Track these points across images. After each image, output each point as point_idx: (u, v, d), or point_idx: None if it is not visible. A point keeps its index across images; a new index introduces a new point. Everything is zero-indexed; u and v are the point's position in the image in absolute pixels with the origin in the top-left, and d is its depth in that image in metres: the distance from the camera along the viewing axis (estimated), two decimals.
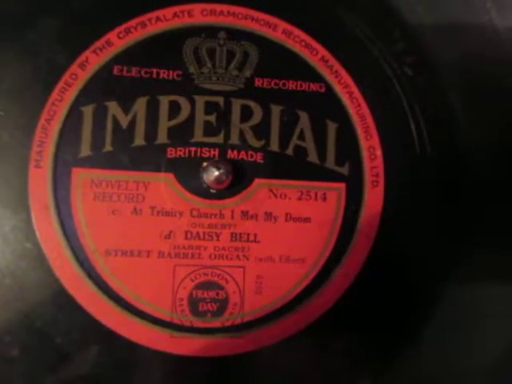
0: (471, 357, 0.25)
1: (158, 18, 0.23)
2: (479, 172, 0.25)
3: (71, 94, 0.22)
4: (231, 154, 0.23)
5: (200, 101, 0.23)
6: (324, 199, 0.23)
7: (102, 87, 0.22)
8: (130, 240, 0.22)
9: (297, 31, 0.24)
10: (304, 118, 0.23)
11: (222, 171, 0.22)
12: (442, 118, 0.25)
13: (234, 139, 0.23)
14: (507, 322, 0.25)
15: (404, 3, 0.25)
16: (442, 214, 0.24)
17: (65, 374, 0.22)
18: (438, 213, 0.24)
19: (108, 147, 0.22)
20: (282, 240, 0.23)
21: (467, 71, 0.26)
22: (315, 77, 0.24)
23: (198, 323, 0.22)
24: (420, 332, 0.24)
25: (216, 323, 0.22)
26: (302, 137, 0.23)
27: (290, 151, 0.23)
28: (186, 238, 0.22)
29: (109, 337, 0.22)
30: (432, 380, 0.24)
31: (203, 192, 0.22)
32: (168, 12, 0.23)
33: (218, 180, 0.22)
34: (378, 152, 0.23)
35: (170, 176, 0.22)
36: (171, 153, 0.22)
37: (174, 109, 0.22)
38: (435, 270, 0.24)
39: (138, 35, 0.23)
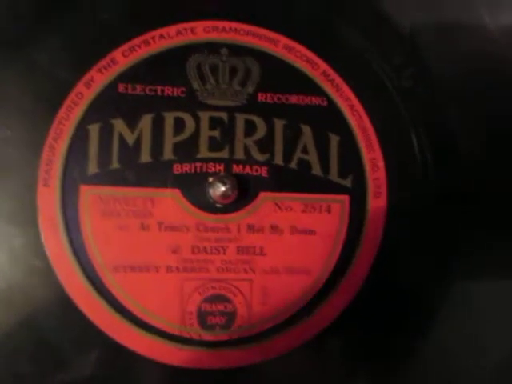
0: (474, 359, 0.25)
1: (161, 36, 0.23)
2: (481, 180, 0.25)
3: (77, 113, 0.22)
4: (236, 169, 0.23)
5: (204, 116, 0.23)
6: (328, 211, 0.23)
7: (107, 105, 0.23)
8: (138, 255, 0.22)
9: (298, 46, 0.24)
10: (307, 132, 0.24)
11: (227, 186, 0.22)
12: (443, 128, 0.25)
13: (239, 154, 0.23)
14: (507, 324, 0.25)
15: (402, 17, 0.26)
16: (444, 223, 0.24)
17: None
18: (440, 222, 0.24)
19: (115, 164, 0.22)
20: (288, 252, 0.23)
21: (466, 80, 0.26)
22: (317, 91, 0.24)
23: (207, 336, 0.22)
24: (423, 341, 0.24)
25: (224, 336, 0.22)
26: (305, 150, 0.23)
27: (293, 164, 0.23)
28: (193, 252, 0.22)
29: (119, 351, 0.22)
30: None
31: (209, 207, 0.23)
32: (171, 30, 0.23)
33: (224, 195, 0.22)
34: (381, 163, 0.24)
35: (177, 191, 0.22)
36: (177, 169, 0.23)
37: (179, 125, 0.23)
38: (438, 279, 0.24)
39: (142, 53, 0.23)
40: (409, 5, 0.26)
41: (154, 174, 0.22)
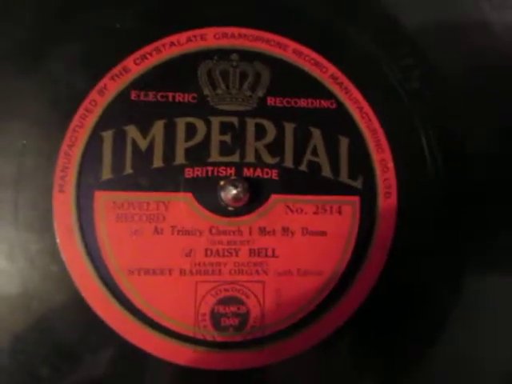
0: (485, 361, 0.25)
1: (172, 43, 0.24)
2: (491, 180, 0.25)
3: (91, 120, 0.23)
4: (247, 172, 0.23)
5: (215, 121, 0.23)
6: (339, 212, 0.23)
7: (120, 112, 0.23)
8: (152, 259, 0.22)
9: (306, 50, 0.24)
10: (316, 134, 0.24)
11: (239, 189, 0.22)
12: (452, 128, 0.25)
13: (250, 157, 0.23)
14: None
15: (408, 18, 0.26)
16: (454, 223, 0.24)
17: None
18: (450, 222, 0.24)
19: (128, 170, 0.23)
20: (300, 254, 0.23)
21: (474, 79, 0.26)
22: (326, 94, 0.24)
23: (220, 338, 0.23)
24: (435, 342, 0.24)
25: (238, 337, 0.23)
26: (315, 152, 0.24)
27: (304, 167, 0.24)
28: (206, 255, 0.23)
29: (133, 352, 0.22)
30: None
31: (221, 210, 0.23)
32: (182, 37, 0.24)
33: (235, 198, 0.22)
34: (390, 164, 0.24)
35: (189, 195, 0.23)
36: (189, 173, 0.23)
37: (191, 130, 0.23)
38: (450, 280, 0.24)
39: (154, 60, 0.23)
40: (415, 6, 0.27)
41: (167, 179, 0.23)
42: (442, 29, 0.26)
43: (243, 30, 0.24)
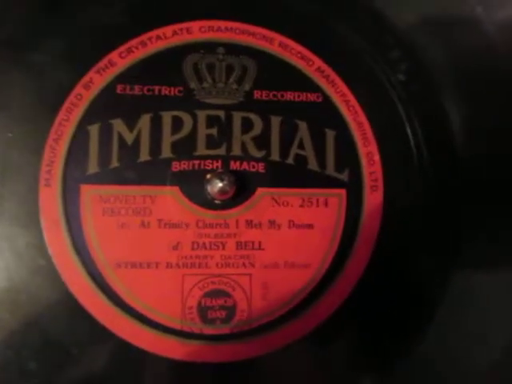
0: (474, 356, 0.25)
1: (157, 37, 0.24)
2: (476, 173, 0.25)
3: (77, 114, 0.23)
4: (234, 165, 0.23)
5: (202, 115, 0.23)
6: (325, 205, 0.24)
7: (106, 106, 0.23)
8: (139, 252, 0.22)
9: (292, 43, 0.24)
10: (303, 128, 0.24)
11: (225, 182, 0.22)
12: (438, 121, 0.25)
13: (236, 151, 0.23)
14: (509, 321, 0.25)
15: (394, 11, 0.26)
16: (441, 215, 0.24)
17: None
18: (437, 215, 0.24)
19: (115, 163, 0.23)
20: (286, 247, 0.23)
21: (460, 73, 0.26)
22: (312, 87, 0.24)
23: (208, 330, 0.23)
24: (423, 333, 0.24)
25: (225, 330, 0.23)
26: (301, 145, 0.24)
27: (290, 160, 0.24)
28: (193, 248, 0.23)
29: (121, 346, 0.22)
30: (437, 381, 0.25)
31: (208, 203, 0.23)
32: (167, 30, 0.24)
33: (222, 191, 0.22)
34: (376, 157, 0.24)
35: (176, 189, 0.23)
36: (176, 166, 0.23)
37: (177, 124, 0.23)
38: (436, 272, 0.24)
39: (140, 54, 0.23)
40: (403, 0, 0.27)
41: (153, 172, 0.23)
42: (430, 23, 0.26)
43: (229, 24, 0.24)
